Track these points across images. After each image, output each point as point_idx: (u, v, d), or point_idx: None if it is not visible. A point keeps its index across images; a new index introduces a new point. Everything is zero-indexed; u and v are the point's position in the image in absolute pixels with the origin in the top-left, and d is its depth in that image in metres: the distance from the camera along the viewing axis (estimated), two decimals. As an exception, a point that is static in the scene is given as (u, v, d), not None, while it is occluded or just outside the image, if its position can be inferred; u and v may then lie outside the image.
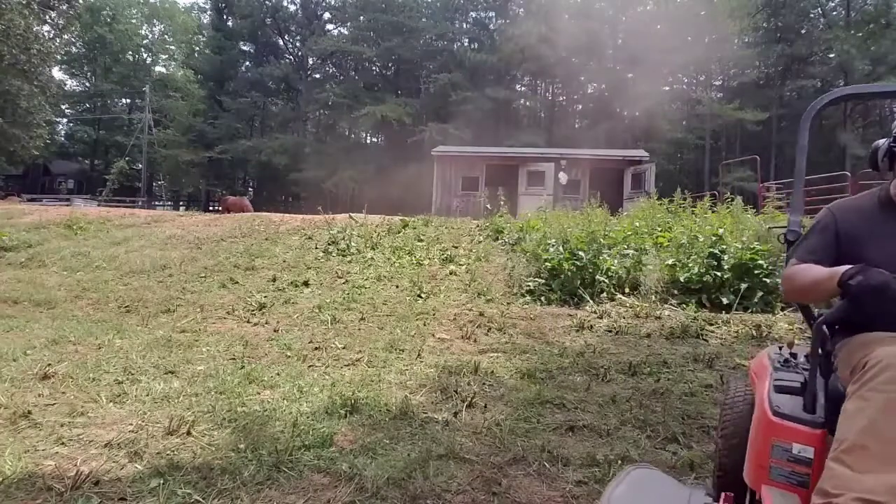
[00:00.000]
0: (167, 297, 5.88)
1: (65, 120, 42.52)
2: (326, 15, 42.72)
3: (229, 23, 40.98)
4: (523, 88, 42.31)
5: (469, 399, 3.07)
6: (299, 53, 41.55)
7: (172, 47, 47.75)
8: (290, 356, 3.96)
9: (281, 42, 42.56)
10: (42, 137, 25.06)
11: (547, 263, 6.10)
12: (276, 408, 2.87)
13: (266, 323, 4.98)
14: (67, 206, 18.29)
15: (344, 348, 4.18)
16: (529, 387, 3.36)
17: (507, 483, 2.19)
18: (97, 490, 1.98)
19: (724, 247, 5.90)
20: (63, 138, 43.17)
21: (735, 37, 33.29)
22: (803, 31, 34.20)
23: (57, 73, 36.00)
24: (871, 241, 1.51)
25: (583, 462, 2.38)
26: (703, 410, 3.02)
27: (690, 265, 5.89)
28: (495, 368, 3.72)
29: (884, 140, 1.64)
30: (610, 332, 4.76)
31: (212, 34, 41.17)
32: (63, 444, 2.37)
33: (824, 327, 1.42)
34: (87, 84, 43.91)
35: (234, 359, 3.85)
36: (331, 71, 42.48)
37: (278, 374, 3.49)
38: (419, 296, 5.85)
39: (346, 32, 40.76)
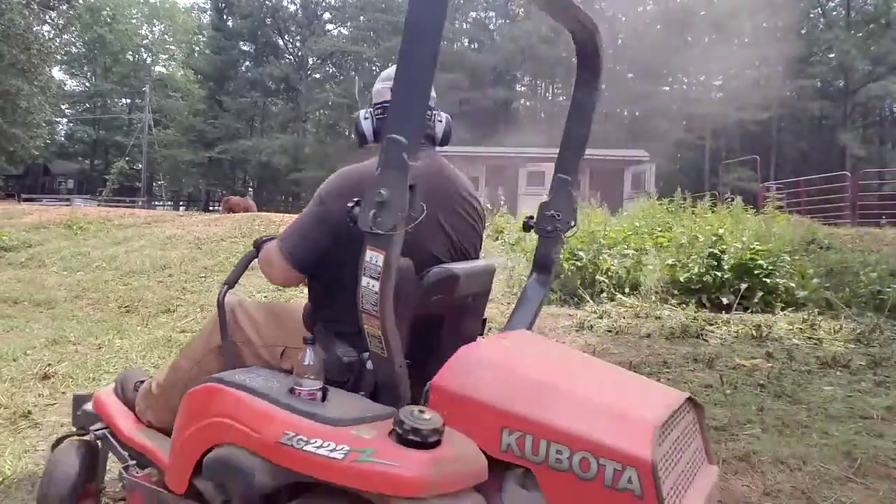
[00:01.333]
0: (167, 297, 5.87)
1: (65, 120, 42.48)
2: (326, 15, 42.74)
3: (229, 23, 40.94)
4: (523, 88, 42.33)
5: (469, 399, 3.05)
6: (299, 53, 41.54)
7: (172, 47, 47.76)
8: (290, 356, 3.95)
9: (281, 42, 42.53)
10: (42, 137, 25.07)
11: (547, 263, 6.08)
12: (275, 408, 2.86)
13: (266, 323, 4.97)
14: (67, 206, 18.26)
15: (344, 348, 4.17)
16: (529, 387, 3.34)
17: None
18: (97, 490, 1.98)
19: (724, 247, 5.89)
20: (63, 138, 43.10)
21: (735, 37, 33.28)
22: (803, 31, 34.18)
23: (57, 73, 36.01)
24: None
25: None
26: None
27: (690, 265, 5.89)
28: (495, 368, 3.70)
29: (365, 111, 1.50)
30: (610, 332, 4.75)
31: (212, 34, 41.12)
32: (63, 444, 2.35)
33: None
34: (87, 84, 43.88)
35: (234, 359, 3.84)
36: (331, 71, 42.48)
37: (278, 374, 3.48)
38: (419, 296, 5.84)
39: (346, 32, 40.75)
